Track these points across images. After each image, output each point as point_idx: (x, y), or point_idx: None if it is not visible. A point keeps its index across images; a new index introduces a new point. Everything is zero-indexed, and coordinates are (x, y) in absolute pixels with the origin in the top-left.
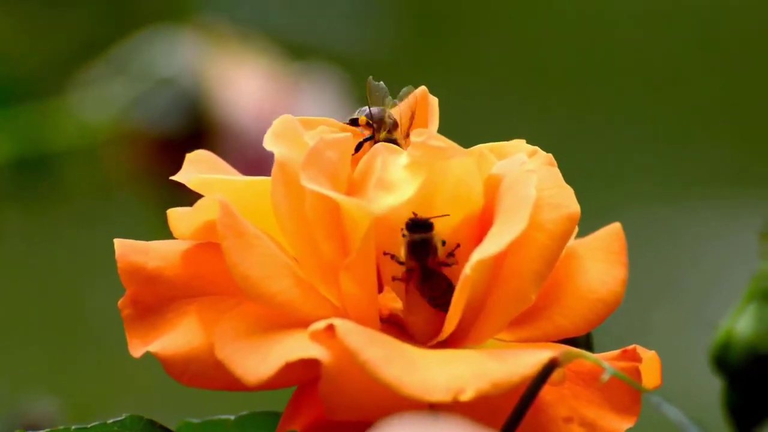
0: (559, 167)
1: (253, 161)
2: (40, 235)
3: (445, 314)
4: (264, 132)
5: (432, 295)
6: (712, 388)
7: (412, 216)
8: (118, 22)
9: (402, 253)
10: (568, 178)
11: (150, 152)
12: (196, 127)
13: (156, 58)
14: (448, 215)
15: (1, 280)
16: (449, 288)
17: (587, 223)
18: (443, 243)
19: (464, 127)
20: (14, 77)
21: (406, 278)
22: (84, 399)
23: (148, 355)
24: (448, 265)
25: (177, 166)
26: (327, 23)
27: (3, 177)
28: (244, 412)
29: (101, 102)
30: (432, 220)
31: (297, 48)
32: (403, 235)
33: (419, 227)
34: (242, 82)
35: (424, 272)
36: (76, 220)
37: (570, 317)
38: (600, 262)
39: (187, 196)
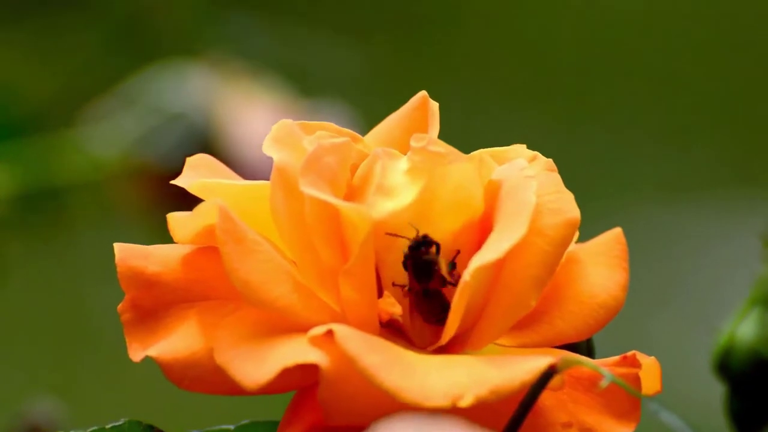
0: (559, 169)
1: None
2: (46, 262)
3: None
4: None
5: (427, 315)
6: (715, 391)
7: (416, 236)
8: (128, 56)
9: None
10: (568, 181)
11: (158, 187)
12: None
13: (166, 93)
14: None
15: (7, 294)
16: (445, 308)
17: (587, 226)
18: (452, 264)
19: (464, 130)
20: (24, 110)
21: (405, 293)
22: (86, 401)
23: (149, 360)
24: (451, 284)
25: (186, 202)
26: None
27: (11, 208)
28: (245, 421)
29: (110, 136)
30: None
31: (307, 84)
32: (405, 255)
33: (423, 246)
34: (252, 117)
35: (424, 293)
36: (83, 249)
37: (571, 322)
38: (601, 266)
39: None
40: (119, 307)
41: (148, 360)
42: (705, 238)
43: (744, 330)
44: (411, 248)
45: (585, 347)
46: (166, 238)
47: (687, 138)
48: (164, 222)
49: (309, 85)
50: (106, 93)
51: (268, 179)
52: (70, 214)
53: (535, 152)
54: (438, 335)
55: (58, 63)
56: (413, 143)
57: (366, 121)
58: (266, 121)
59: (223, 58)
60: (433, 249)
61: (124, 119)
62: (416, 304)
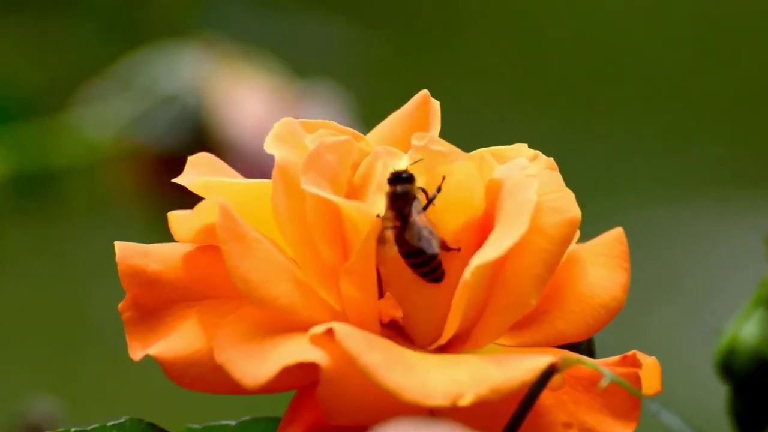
0: (561, 169)
1: (256, 178)
2: (42, 246)
3: (439, 289)
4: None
5: (412, 253)
6: (714, 389)
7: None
8: (121, 38)
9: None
10: (568, 180)
11: (153, 169)
12: (199, 144)
13: (159, 75)
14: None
15: (4, 285)
16: (430, 255)
17: (588, 225)
18: (428, 195)
19: (464, 130)
20: (17, 94)
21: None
22: (86, 400)
23: (150, 358)
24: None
25: (178, 185)
26: (325, 39)
27: (6, 193)
28: (246, 418)
29: (104, 119)
30: (412, 173)
31: (300, 65)
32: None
33: (400, 180)
34: (245, 99)
35: (403, 224)
36: (78, 233)
37: (571, 322)
38: (602, 266)
39: None
40: (120, 305)
41: (148, 358)
42: (705, 238)
43: (747, 331)
44: (389, 181)
45: (585, 347)
46: (160, 220)
47: (688, 138)
48: (159, 204)
49: (303, 66)
50: (100, 76)
51: (259, 162)
52: (65, 198)
53: (536, 151)
54: (438, 334)
55: (52, 47)
56: (414, 142)
57: (360, 104)
58: (259, 103)
59: (215, 39)
60: (412, 182)
61: (118, 102)
62: (399, 241)
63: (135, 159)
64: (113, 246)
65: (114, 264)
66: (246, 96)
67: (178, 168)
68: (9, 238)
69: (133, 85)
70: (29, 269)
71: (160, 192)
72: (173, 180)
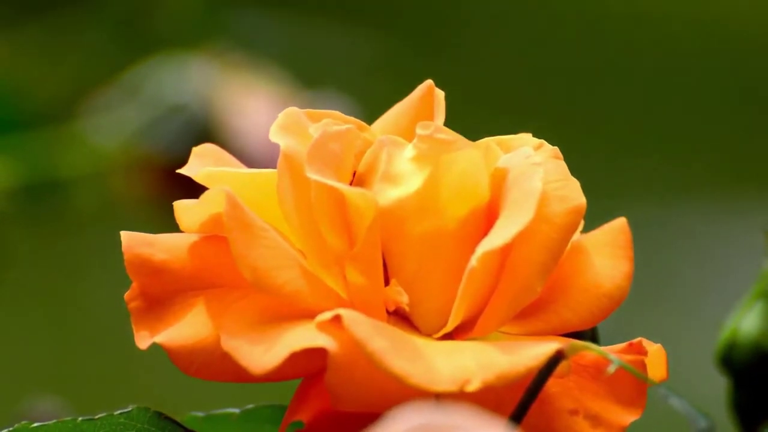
0: None
1: None
2: (50, 253)
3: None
4: (274, 158)
5: None
6: (712, 386)
7: None
8: (129, 48)
9: None
10: None
11: (160, 178)
12: None
13: (167, 85)
14: None
15: (13, 292)
16: None
17: (590, 226)
18: None
19: (466, 128)
20: (27, 104)
21: None
22: (87, 398)
23: (151, 356)
24: None
25: (187, 193)
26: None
27: (15, 201)
28: (250, 406)
29: (112, 128)
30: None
31: (307, 75)
32: None
33: None
34: (252, 109)
35: None
36: (86, 240)
37: (576, 311)
38: (606, 256)
39: None
40: (126, 295)
41: (151, 357)
42: (705, 237)
43: (747, 323)
44: None
45: (590, 336)
46: (168, 228)
47: (687, 138)
48: (167, 213)
49: (310, 76)
50: (108, 85)
51: (268, 170)
52: (74, 206)
53: (541, 140)
54: (444, 322)
55: (62, 58)
56: (419, 131)
57: (367, 113)
58: (267, 113)
59: (223, 49)
60: None
61: (126, 111)
62: None
63: (143, 168)
64: (121, 252)
65: (122, 270)
66: (253, 105)
67: (185, 177)
68: (18, 245)
69: (141, 95)
70: (39, 276)
71: (168, 200)
72: (178, 171)
